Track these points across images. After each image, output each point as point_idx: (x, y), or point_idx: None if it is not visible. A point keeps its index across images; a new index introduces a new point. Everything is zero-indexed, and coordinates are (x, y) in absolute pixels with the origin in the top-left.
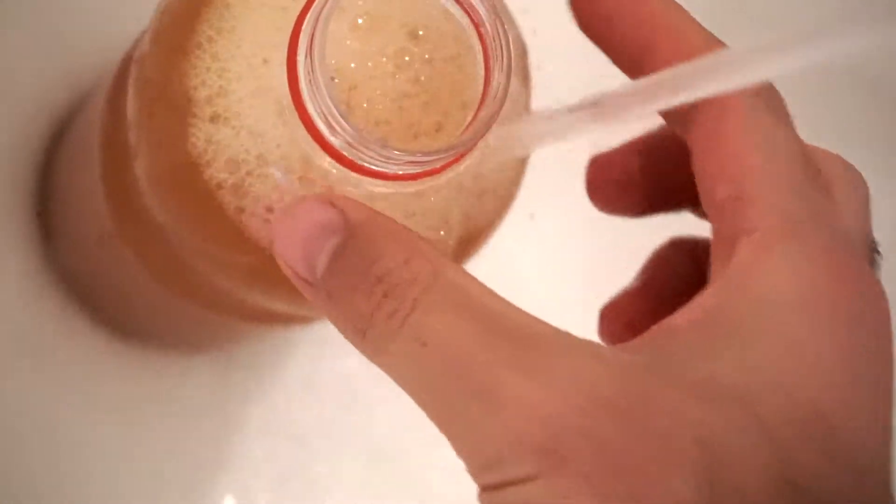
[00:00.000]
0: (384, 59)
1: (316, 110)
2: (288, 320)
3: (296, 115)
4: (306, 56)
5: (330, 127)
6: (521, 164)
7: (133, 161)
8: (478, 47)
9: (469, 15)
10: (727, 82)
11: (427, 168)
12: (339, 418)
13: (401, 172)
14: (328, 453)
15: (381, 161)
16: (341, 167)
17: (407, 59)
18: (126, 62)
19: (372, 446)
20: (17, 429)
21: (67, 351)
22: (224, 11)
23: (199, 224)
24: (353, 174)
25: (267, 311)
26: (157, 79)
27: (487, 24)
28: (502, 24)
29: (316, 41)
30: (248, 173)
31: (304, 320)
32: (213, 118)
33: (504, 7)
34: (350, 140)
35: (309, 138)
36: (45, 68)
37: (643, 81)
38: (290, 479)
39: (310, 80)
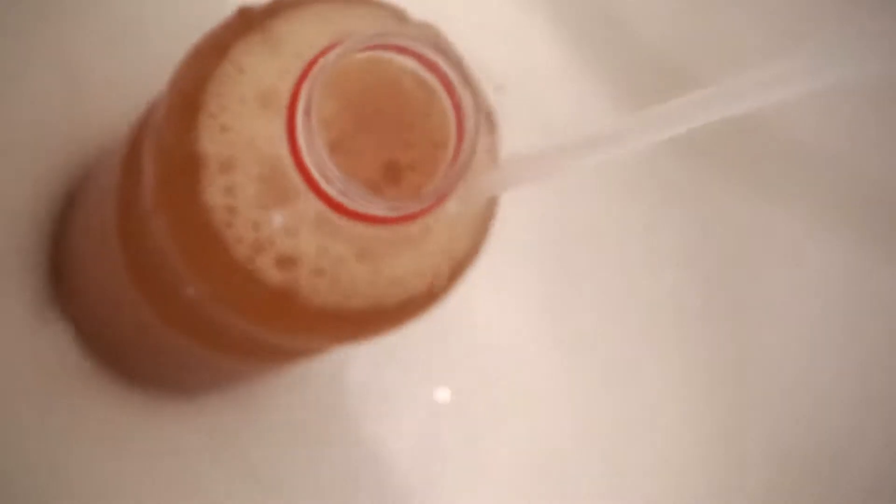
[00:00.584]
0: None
1: (312, 162)
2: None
3: (296, 171)
4: (305, 113)
5: (325, 176)
6: (493, 204)
7: (150, 223)
8: (449, 108)
9: (442, 81)
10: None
11: (407, 213)
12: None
13: (382, 215)
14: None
15: (367, 206)
16: (332, 211)
17: (386, 119)
18: (140, 127)
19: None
20: (15, 470)
21: (82, 401)
22: (228, 80)
23: (214, 275)
24: (346, 219)
25: (282, 348)
26: (171, 145)
27: (459, 89)
28: (472, 89)
29: (313, 106)
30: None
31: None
32: (225, 177)
33: (471, 71)
34: (342, 188)
35: (307, 189)
36: (58, 128)
37: (605, 127)
38: None
39: (308, 136)
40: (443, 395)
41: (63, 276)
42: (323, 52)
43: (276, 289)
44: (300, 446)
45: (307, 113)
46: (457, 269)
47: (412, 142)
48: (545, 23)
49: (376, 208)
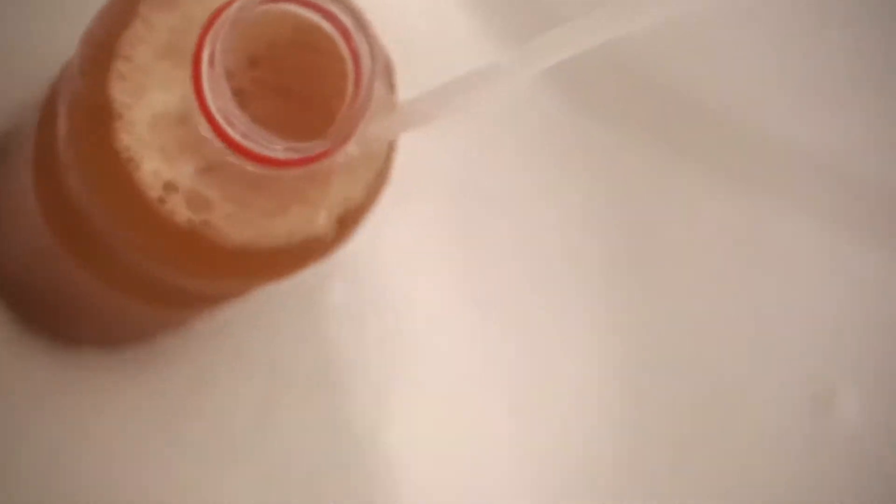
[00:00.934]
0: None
1: (217, 107)
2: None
3: (200, 114)
4: (209, 62)
5: (228, 121)
6: (391, 148)
7: (65, 173)
8: (347, 54)
9: (339, 29)
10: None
11: (306, 155)
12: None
13: (283, 158)
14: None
15: (268, 149)
16: (236, 154)
17: (287, 66)
18: (55, 85)
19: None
20: None
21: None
22: (137, 33)
23: (128, 220)
24: (248, 161)
25: (196, 292)
26: (83, 95)
27: (354, 35)
28: (367, 36)
29: (217, 55)
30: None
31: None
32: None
33: (367, 19)
34: (245, 131)
35: (210, 130)
36: None
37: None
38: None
39: (213, 83)
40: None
41: None
42: (227, 5)
43: (187, 230)
44: (218, 397)
45: (211, 62)
46: (358, 212)
47: (314, 90)
48: None
49: (278, 151)
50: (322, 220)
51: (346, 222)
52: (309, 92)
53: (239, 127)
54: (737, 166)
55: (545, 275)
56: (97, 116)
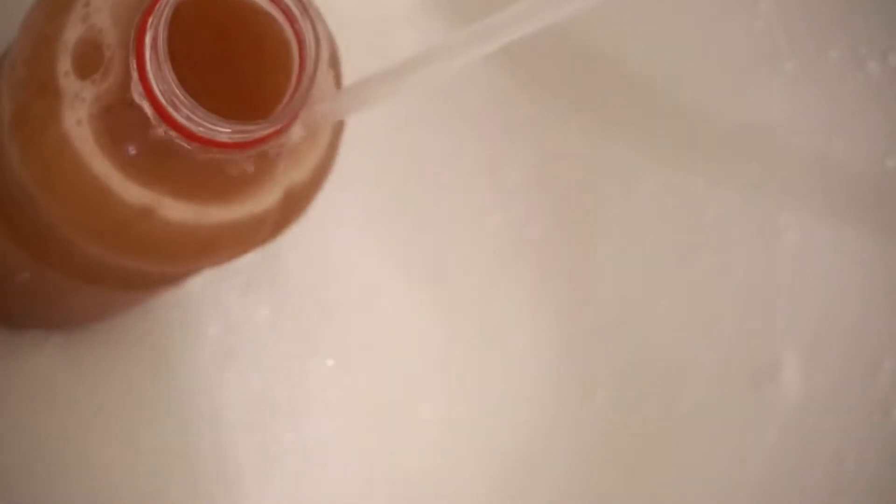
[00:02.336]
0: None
1: (161, 90)
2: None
3: (145, 97)
4: (152, 45)
5: (172, 104)
6: (338, 129)
7: (11, 158)
8: (291, 36)
9: (284, 12)
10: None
11: (252, 138)
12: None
13: (229, 141)
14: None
15: (214, 132)
16: (181, 137)
17: (229, 49)
18: None
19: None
20: None
21: None
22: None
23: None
24: (192, 143)
25: (139, 273)
26: (27, 78)
27: (298, 17)
28: (311, 19)
29: (160, 37)
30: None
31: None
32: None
33: (311, 3)
34: (189, 114)
35: (155, 114)
36: None
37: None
38: None
39: (156, 66)
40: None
41: None
42: None
43: (136, 211)
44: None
45: (154, 46)
46: (304, 192)
47: (257, 73)
48: None
49: (223, 134)
50: (268, 202)
51: (292, 203)
52: (252, 75)
53: (183, 110)
54: (674, 141)
55: (485, 251)
56: (45, 102)
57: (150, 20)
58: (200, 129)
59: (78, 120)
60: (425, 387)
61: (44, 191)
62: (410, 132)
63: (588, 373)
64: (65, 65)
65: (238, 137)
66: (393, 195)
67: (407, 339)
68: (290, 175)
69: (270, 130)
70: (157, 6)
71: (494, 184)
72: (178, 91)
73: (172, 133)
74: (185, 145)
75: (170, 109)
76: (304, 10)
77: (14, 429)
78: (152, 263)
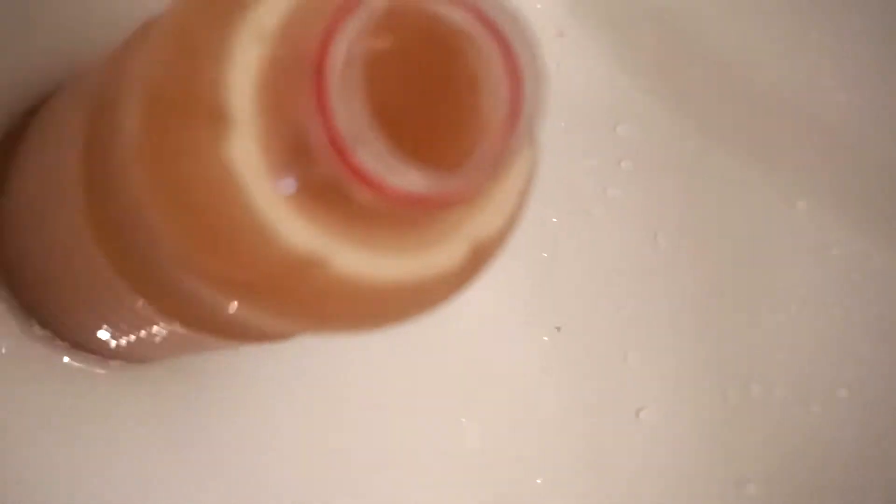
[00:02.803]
0: (402, 76)
1: (344, 117)
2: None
3: (323, 135)
4: (344, 65)
5: (358, 138)
6: (530, 176)
7: (132, 181)
8: (502, 70)
9: (497, 41)
10: None
11: (450, 193)
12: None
13: (424, 196)
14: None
15: (406, 186)
16: (363, 188)
17: (426, 78)
18: (113, 68)
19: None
20: None
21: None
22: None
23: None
24: (366, 189)
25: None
26: (178, 91)
27: (517, 50)
28: (533, 49)
29: (354, 59)
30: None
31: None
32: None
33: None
34: (380, 164)
35: (335, 157)
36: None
37: None
38: None
39: (343, 95)
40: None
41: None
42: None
43: (301, 262)
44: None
45: (347, 70)
46: (490, 250)
47: (450, 110)
48: None
49: (419, 187)
50: (455, 257)
51: (479, 259)
52: (438, 109)
53: (374, 158)
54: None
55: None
56: (201, 123)
57: (336, 33)
58: (392, 182)
59: (245, 148)
60: (542, 455)
61: (178, 227)
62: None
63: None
64: (238, 85)
65: (434, 193)
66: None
67: (526, 394)
68: (478, 226)
69: (471, 187)
70: (349, 18)
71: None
72: (371, 133)
73: (356, 182)
74: (370, 197)
75: (357, 157)
76: (525, 39)
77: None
78: (302, 323)
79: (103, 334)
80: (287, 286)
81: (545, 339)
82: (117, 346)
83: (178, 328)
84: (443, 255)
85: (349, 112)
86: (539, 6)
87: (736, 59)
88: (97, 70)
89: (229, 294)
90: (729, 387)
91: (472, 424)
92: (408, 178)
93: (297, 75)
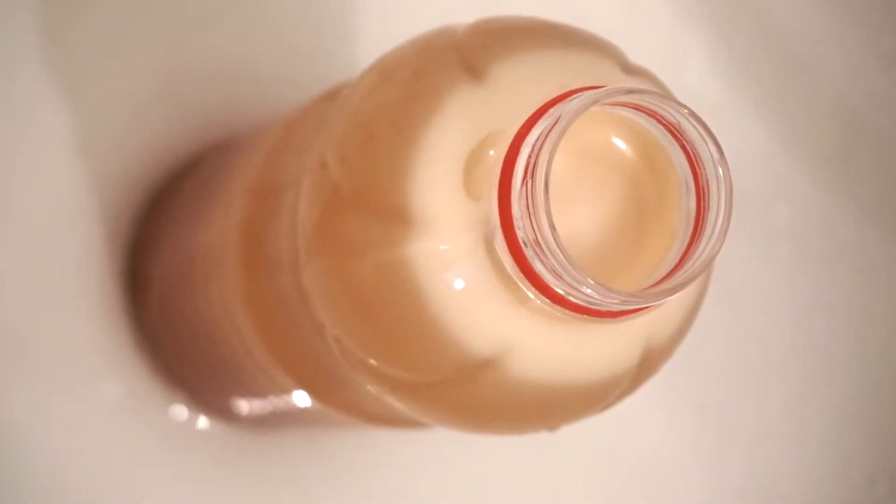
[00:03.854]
0: (587, 187)
1: (527, 239)
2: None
3: (503, 241)
4: (525, 179)
5: (541, 258)
6: (706, 280)
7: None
8: (687, 188)
9: (686, 154)
10: None
11: (636, 307)
12: None
13: (605, 310)
14: None
15: (592, 300)
16: (542, 297)
17: (609, 187)
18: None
19: None
20: None
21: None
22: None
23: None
24: (555, 305)
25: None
26: (357, 188)
27: (707, 170)
28: (726, 169)
29: (540, 165)
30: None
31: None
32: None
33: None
34: (565, 278)
35: (513, 264)
36: (144, 126)
37: None
38: None
39: (527, 207)
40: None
41: (144, 296)
42: (553, 102)
43: (476, 359)
44: None
45: (536, 181)
46: (662, 355)
47: (627, 218)
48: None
49: (609, 304)
50: (626, 361)
51: (649, 364)
52: (618, 219)
53: (565, 280)
54: None
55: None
56: (381, 219)
57: (526, 144)
58: (577, 296)
59: (428, 251)
60: None
61: (352, 325)
62: None
63: None
64: (423, 188)
65: (617, 307)
66: None
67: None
68: (653, 330)
69: (658, 301)
70: (539, 129)
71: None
72: (562, 256)
73: (547, 301)
74: (557, 311)
75: (536, 264)
76: (720, 160)
77: None
78: (467, 423)
79: (240, 402)
80: (459, 388)
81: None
82: (250, 413)
83: (321, 407)
84: (615, 359)
85: (535, 223)
86: (694, 80)
87: None
88: (262, 145)
89: (398, 392)
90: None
91: None
92: (602, 295)
93: (483, 182)
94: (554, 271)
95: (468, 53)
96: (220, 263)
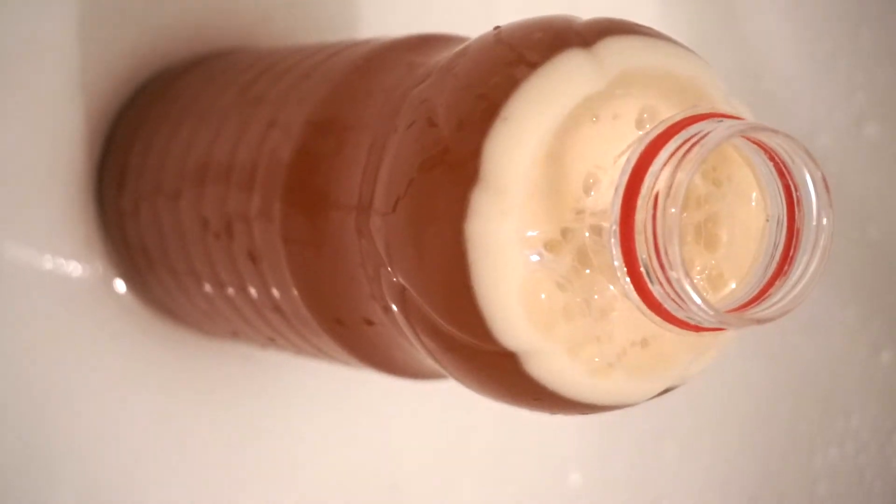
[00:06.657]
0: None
1: (653, 273)
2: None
3: (619, 251)
4: (656, 208)
5: (668, 293)
6: None
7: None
8: (778, 220)
9: (787, 193)
10: None
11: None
12: None
13: (704, 325)
14: None
15: (694, 318)
16: (648, 311)
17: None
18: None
19: None
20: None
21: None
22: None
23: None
24: (657, 317)
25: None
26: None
27: (805, 210)
28: (831, 220)
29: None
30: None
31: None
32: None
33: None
34: (674, 294)
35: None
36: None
37: None
38: None
39: (655, 242)
40: None
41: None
42: (683, 124)
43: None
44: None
45: (664, 209)
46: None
47: (723, 247)
48: None
49: (709, 321)
50: (694, 367)
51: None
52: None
53: (680, 302)
54: None
55: None
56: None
57: (652, 165)
58: (688, 313)
59: (519, 230)
60: None
61: (424, 282)
62: None
63: None
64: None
65: (715, 324)
66: None
67: None
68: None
69: (753, 323)
70: (673, 149)
71: None
72: (686, 283)
73: (656, 318)
74: (660, 324)
75: (663, 299)
76: (826, 200)
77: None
78: (517, 402)
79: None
80: (516, 363)
81: None
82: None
83: (343, 357)
84: (688, 370)
85: (665, 263)
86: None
87: None
88: (315, 78)
89: (450, 353)
90: None
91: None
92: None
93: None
94: (676, 301)
95: (591, 46)
96: (240, 186)
